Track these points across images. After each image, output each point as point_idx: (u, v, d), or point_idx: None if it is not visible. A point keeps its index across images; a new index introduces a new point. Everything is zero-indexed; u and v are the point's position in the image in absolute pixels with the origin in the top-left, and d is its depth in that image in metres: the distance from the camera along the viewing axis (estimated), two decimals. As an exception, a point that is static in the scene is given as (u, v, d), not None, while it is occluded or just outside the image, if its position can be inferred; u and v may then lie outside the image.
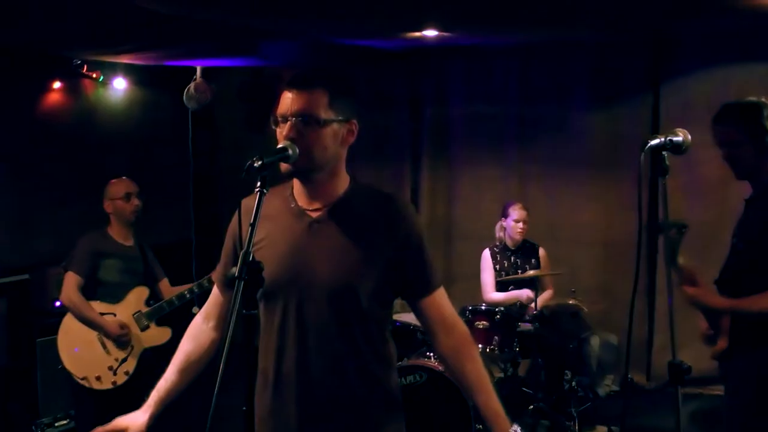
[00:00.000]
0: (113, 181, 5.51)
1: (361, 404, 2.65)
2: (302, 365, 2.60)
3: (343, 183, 2.68)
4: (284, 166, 2.51)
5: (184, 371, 2.80)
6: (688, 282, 3.49)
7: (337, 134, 2.58)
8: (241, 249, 2.26)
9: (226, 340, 2.14)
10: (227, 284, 2.71)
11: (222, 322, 2.82)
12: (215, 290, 2.88)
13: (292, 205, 2.66)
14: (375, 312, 2.63)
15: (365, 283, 2.58)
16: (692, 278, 3.51)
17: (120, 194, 5.42)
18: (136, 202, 5.45)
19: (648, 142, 2.66)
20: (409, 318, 6.36)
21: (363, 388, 2.64)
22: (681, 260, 3.46)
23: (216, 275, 2.89)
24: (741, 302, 3.50)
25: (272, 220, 2.63)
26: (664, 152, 2.67)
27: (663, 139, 2.69)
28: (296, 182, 2.67)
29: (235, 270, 2.22)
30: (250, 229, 2.28)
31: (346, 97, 2.61)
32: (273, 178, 2.40)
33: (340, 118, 2.57)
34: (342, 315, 2.58)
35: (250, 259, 2.23)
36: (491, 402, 2.68)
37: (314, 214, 2.63)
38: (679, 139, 2.73)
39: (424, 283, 2.71)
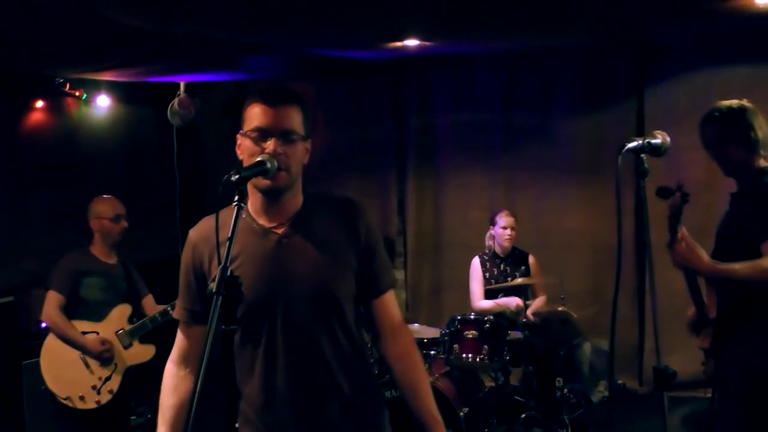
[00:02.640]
0: (101, 198, 5.50)
1: (359, 411, 2.72)
2: (297, 382, 2.62)
3: (299, 197, 2.71)
4: (262, 182, 2.53)
5: (176, 425, 2.72)
6: (679, 241, 3.58)
7: (304, 152, 2.65)
8: (206, 276, 2.25)
9: (202, 361, 2.11)
10: (192, 319, 2.73)
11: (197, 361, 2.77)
12: (180, 333, 2.81)
13: (254, 226, 2.66)
14: (354, 314, 2.71)
15: (342, 287, 2.66)
16: (686, 241, 3.59)
17: (109, 215, 5.40)
18: (124, 224, 5.47)
19: (625, 145, 2.66)
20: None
21: (357, 393, 2.70)
22: (683, 230, 3.57)
23: (177, 312, 2.80)
24: (720, 267, 3.58)
25: (237, 243, 2.60)
26: (642, 155, 2.66)
27: (641, 142, 2.69)
28: (252, 200, 2.67)
29: (213, 286, 2.20)
30: (227, 243, 2.27)
31: (310, 114, 2.68)
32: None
33: (306, 135, 2.64)
34: (328, 323, 2.64)
35: (228, 274, 2.22)
36: (430, 408, 2.73)
37: (279, 231, 2.64)
38: (658, 141, 2.73)
39: (377, 283, 2.75)
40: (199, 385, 2.11)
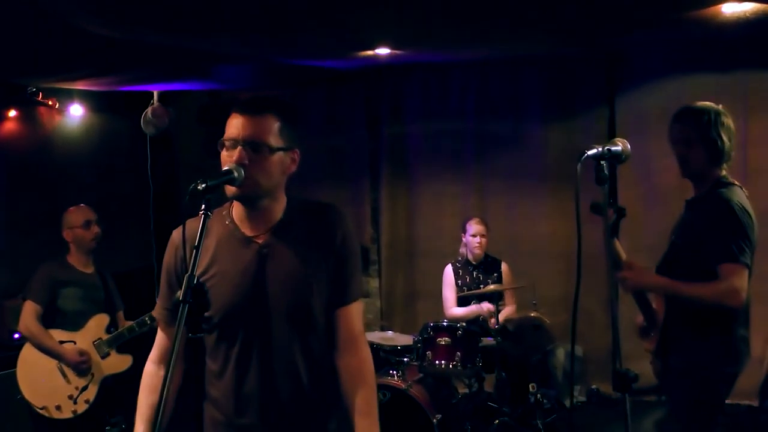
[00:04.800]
0: (71, 209, 5.51)
1: (321, 418, 2.76)
2: (267, 389, 2.65)
3: (282, 205, 2.72)
4: (230, 190, 2.55)
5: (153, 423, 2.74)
6: (626, 269, 3.75)
7: (282, 162, 2.64)
8: (183, 274, 2.27)
9: (170, 366, 2.14)
10: (173, 319, 2.67)
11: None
12: (160, 332, 2.85)
13: (236, 233, 2.68)
14: (325, 322, 2.72)
15: (318, 300, 2.67)
16: (629, 265, 3.78)
17: (79, 222, 5.41)
18: (95, 229, 5.46)
19: (585, 152, 2.70)
20: (372, 337, 6.36)
21: (321, 401, 2.75)
22: (617, 245, 3.76)
23: (157, 312, 2.85)
24: (675, 284, 3.73)
25: (218, 249, 2.67)
26: (602, 162, 2.70)
27: (601, 149, 2.72)
28: (236, 207, 2.71)
29: (180, 294, 2.22)
30: (194, 252, 2.29)
31: (294, 125, 2.67)
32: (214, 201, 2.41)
33: (286, 146, 2.62)
34: (301, 333, 2.67)
35: (195, 282, 2.24)
36: (373, 428, 2.71)
37: (260, 240, 2.66)
38: (618, 148, 2.76)
39: (344, 292, 2.75)
40: (166, 390, 2.14)
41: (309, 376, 2.68)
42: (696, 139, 3.83)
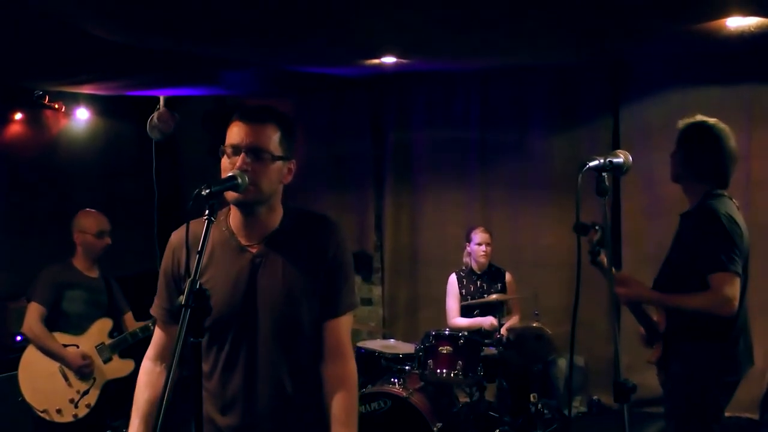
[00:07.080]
0: (87, 212, 5.52)
1: (305, 425, 2.78)
2: (251, 393, 2.70)
3: (278, 215, 2.76)
4: (230, 195, 2.57)
5: (149, 418, 2.77)
6: (619, 284, 3.85)
7: (281, 171, 2.69)
8: (183, 280, 2.29)
9: (171, 368, 2.16)
10: (169, 318, 2.79)
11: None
12: (157, 330, 2.89)
13: (232, 242, 2.73)
14: (313, 332, 2.74)
15: (306, 309, 2.71)
16: (623, 280, 3.90)
17: (93, 230, 5.42)
18: (108, 240, 5.48)
19: (586, 164, 2.71)
20: (374, 345, 6.36)
21: (306, 409, 2.77)
22: (603, 259, 3.80)
23: (155, 311, 2.88)
24: (668, 297, 3.86)
25: (213, 255, 2.71)
26: (604, 173, 2.71)
27: (602, 161, 2.74)
28: (233, 215, 2.74)
29: (182, 298, 2.24)
30: (197, 256, 2.31)
31: (292, 136, 2.72)
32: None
33: (285, 156, 2.67)
34: (287, 342, 2.70)
35: (197, 287, 2.25)
36: None
37: (254, 249, 2.71)
38: (620, 160, 2.78)
39: (335, 304, 2.77)
40: (167, 393, 2.16)
41: (293, 384, 2.72)
42: (679, 145, 4.00)
